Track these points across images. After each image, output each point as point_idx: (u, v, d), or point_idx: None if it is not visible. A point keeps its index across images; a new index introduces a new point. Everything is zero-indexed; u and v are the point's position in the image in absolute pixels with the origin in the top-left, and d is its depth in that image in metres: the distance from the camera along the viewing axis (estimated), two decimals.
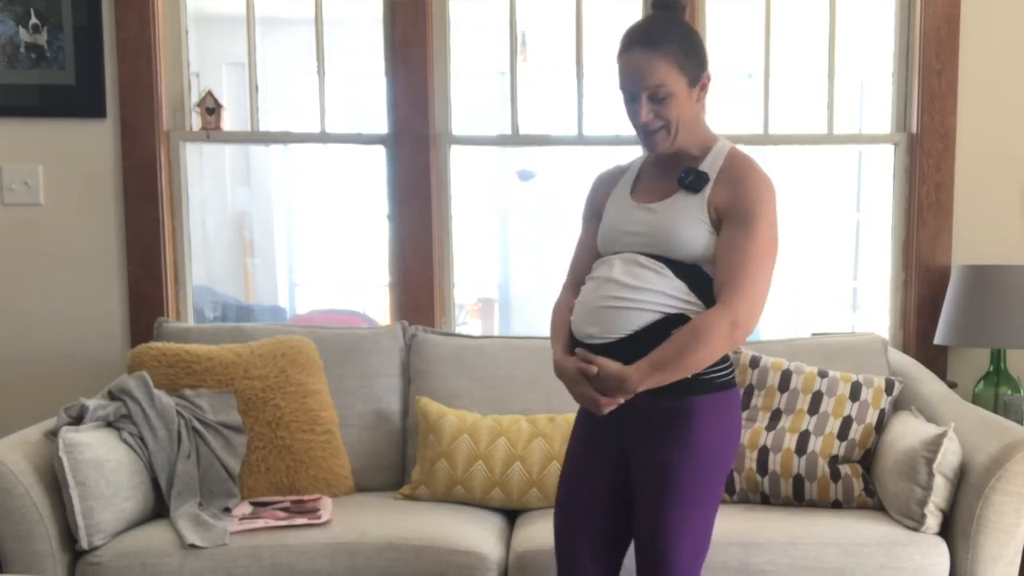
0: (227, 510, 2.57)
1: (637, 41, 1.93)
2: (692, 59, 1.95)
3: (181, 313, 3.26)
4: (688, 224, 1.93)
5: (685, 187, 1.96)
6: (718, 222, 1.94)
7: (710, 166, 1.98)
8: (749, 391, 2.78)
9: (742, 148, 3.26)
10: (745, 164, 1.98)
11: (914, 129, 3.24)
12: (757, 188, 1.94)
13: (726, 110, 3.30)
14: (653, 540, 1.94)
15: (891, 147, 3.31)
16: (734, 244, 1.91)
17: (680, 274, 1.93)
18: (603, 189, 2.15)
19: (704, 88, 1.98)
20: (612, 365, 1.90)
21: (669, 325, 1.90)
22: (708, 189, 1.95)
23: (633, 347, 1.90)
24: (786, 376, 2.77)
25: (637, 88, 1.93)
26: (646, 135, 1.97)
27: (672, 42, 1.92)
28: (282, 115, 3.29)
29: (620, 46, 1.96)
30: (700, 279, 1.94)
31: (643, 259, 1.95)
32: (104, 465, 2.36)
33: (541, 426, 2.73)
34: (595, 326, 1.95)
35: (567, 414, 2.70)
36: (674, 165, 2.01)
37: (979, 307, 2.96)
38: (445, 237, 3.28)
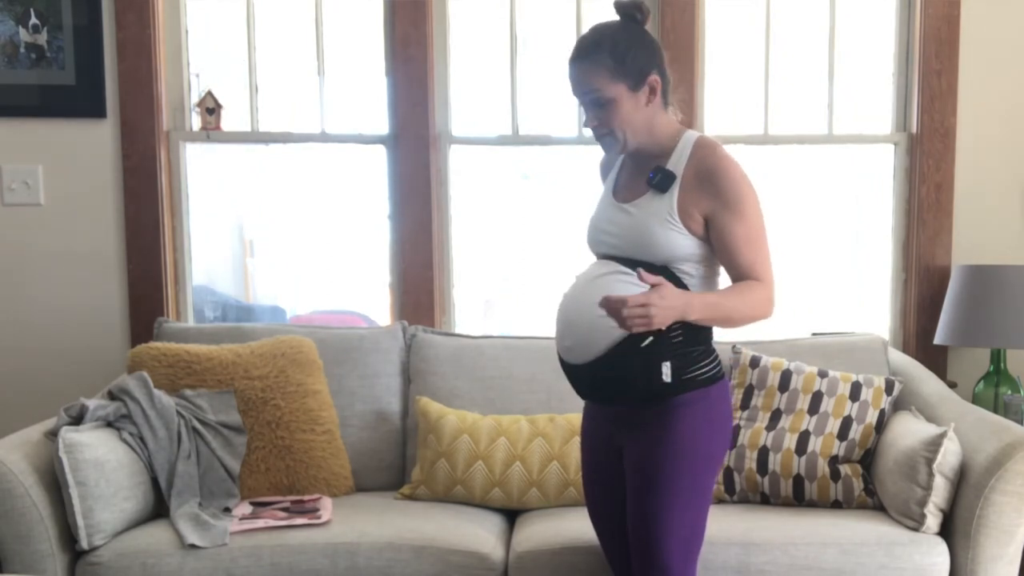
0: (227, 510, 2.57)
1: (576, 54, 2.01)
2: (629, 64, 1.97)
3: (181, 313, 3.26)
4: (658, 228, 1.98)
5: (653, 187, 2.01)
6: (697, 221, 1.98)
7: (676, 163, 2.02)
8: (749, 391, 2.78)
9: (742, 148, 3.29)
10: (712, 154, 2.01)
11: (914, 129, 3.24)
12: (731, 173, 1.99)
13: (726, 110, 3.31)
14: (641, 532, 1.99)
15: (891, 147, 3.31)
16: (737, 233, 1.98)
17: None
18: (604, 173, 2.23)
19: (653, 91, 2.01)
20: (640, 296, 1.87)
21: (635, 340, 1.93)
22: (676, 188, 1.99)
23: (602, 367, 1.97)
24: (786, 376, 2.77)
25: (578, 96, 2.01)
26: (597, 139, 2.06)
27: (603, 50, 1.97)
28: (282, 115, 3.29)
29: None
30: (670, 280, 1.97)
31: (617, 267, 2.00)
32: (104, 465, 2.37)
33: (541, 426, 2.73)
34: (570, 339, 2.02)
35: (567, 414, 2.70)
36: (645, 163, 2.06)
37: (979, 307, 2.96)
38: (445, 237, 3.28)
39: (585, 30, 3.22)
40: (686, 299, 1.91)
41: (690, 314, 1.91)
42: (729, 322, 2.01)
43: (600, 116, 1.99)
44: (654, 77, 2.00)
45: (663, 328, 1.91)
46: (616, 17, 2.05)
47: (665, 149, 2.04)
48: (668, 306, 1.85)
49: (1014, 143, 3.22)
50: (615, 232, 2.04)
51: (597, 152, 2.30)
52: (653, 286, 1.86)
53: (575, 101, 2.09)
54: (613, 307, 1.83)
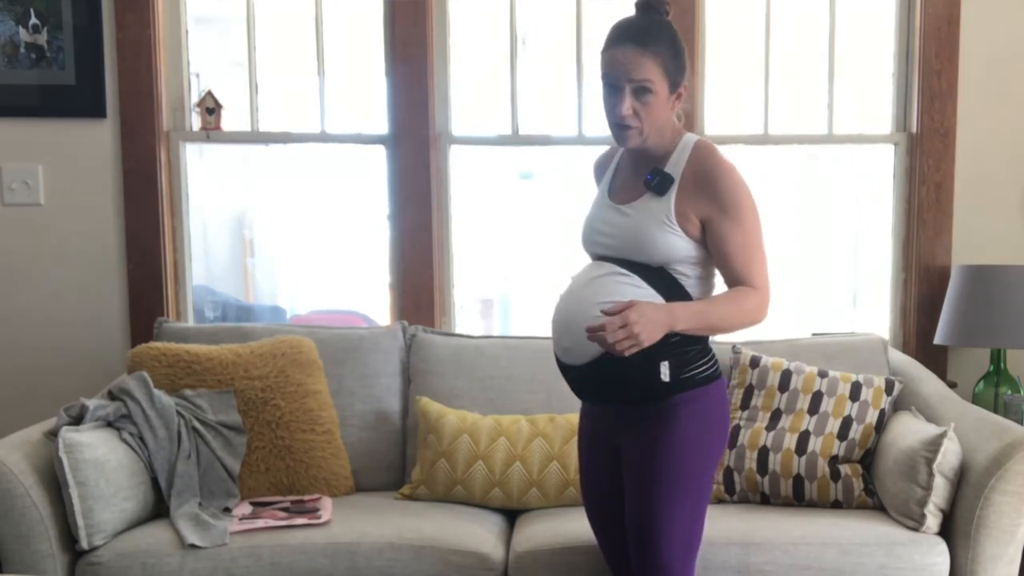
0: (227, 510, 2.57)
1: (630, 37, 1.95)
2: (677, 65, 1.98)
3: (181, 313, 3.26)
4: (655, 230, 1.98)
5: (651, 189, 2.01)
6: (694, 224, 1.98)
7: (675, 165, 2.02)
8: (749, 391, 2.78)
9: (742, 148, 3.29)
10: (710, 158, 2.01)
11: (914, 129, 3.24)
12: (729, 178, 1.99)
13: (726, 110, 3.31)
14: (641, 532, 1.99)
15: (891, 147, 3.31)
16: (732, 238, 1.98)
17: (647, 279, 1.98)
18: (598, 175, 2.23)
19: (680, 97, 2.02)
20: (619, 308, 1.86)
21: None
22: (674, 191, 1.99)
23: (601, 368, 1.96)
24: (786, 376, 2.77)
25: (622, 80, 1.95)
26: (620, 128, 2.00)
27: (662, 44, 1.96)
28: (282, 115, 3.29)
29: (609, 39, 1.98)
30: (666, 281, 1.98)
31: (613, 268, 2.00)
32: (104, 465, 2.37)
33: (541, 426, 2.73)
34: (568, 340, 2.01)
35: (567, 414, 2.70)
36: (643, 164, 2.05)
37: (979, 307, 2.96)
38: (445, 237, 3.28)
39: (585, 29, 3.24)
40: (668, 310, 1.90)
41: (676, 324, 1.90)
42: (717, 329, 2.01)
43: (637, 106, 1.96)
44: (685, 84, 2.02)
45: (654, 342, 1.88)
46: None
47: (666, 151, 2.04)
48: (649, 320, 1.84)
49: (1014, 143, 3.22)
50: (611, 233, 2.04)
51: (596, 152, 2.30)
52: (623, 311, 1.83)
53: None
54: (598, 336, 1.83)
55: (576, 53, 3.23)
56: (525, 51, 3.28)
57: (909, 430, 2.56)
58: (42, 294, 3.16)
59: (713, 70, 3.26)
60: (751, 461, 2.66)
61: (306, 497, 2.66)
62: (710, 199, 1.97)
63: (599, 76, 2.01)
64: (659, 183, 2.00)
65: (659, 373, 1.95)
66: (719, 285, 2.07)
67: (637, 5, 2.03)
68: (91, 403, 2.49)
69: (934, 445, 2.37)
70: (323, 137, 3.26)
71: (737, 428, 2.72)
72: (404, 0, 3.15)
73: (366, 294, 3.60)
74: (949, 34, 3.18)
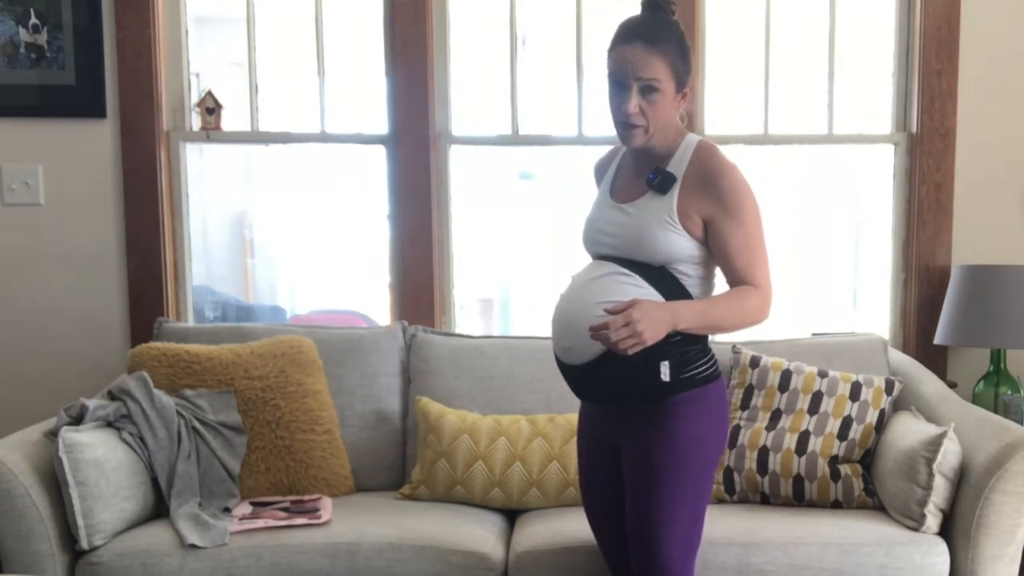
0: (227, 510, 2.57)
1: (638, 35, 1.96)
2: (684, 65, 1.99)
3: (181, 313, 3.26)
4: (657, 229, 1.98)
5: (653, 188, 2.01)
6: (696, 223, 1.99)
7: (677, 165, 2.02)
8: (749, 391, 2.78)
9: (742, 148, 3.29)
10: (712, 158, 2.02)
11: (914, 129, 3.24)
12: (731, 178, 1.99)
13: (726, 110, 3.31)
14: (641, 531, 1.99)
15: (891, 147, 3.31)
16: (735, 238, 1.98)
17: (648, 278, 1.98)
18: (599, 177, 2.23)
19: (685, 97, 2.02)
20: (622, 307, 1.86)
21: None
22: (676, 190, 1.99)
23: (601, 368, 1.96)
24: (786, 376, 2.77)
25: (630, 79, 1.96)
26: (625, 127, 2.00)
27: (671, 43, 1.97)
28: (282, 115, 3.29)
29: (618, 37, 1.99)
30: (668, 281, 1.99)
31: (614, 268, 2.00)
32: (104, 465, 2.37)
33: (541, 426, 2.73)
34: (568, 340, 2.01)
35: (567, 414, 2.70)
36: (645, 163, 2.06)
37: (979, 307, 2.96)
38: (445, 237, 3.28)
39: (585, 29, 3.23)
40: (671, 308, 1.91)
41: (679, 323, 1.90)
42: (719, 329, 2.01)
43: (643, 105, 1.97)
44: (690, 84, 2.03)
45: (658, 341, 1.88)
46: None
47: (669, 151, 2.05)
48: (653, 319, 1.84)
49: (1014, 143, 3.22)
50: (613, 232, 2.04)
51: (596, 152, 2.30)
52: (625, 309, 1.83)
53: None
54: (601, 335, 1.83)
55: (576, 53, 3.23)
56: (525, 51, 3.28)
57: (909, 430, 2.56)
58: (42, 294, 3.16)
59: (713, 70, 3.27)
60: (751, 461, 2.66)
61: (306, 497, 2.66)
62: (712, 199, 1.97)
63: (605, 74, 2.01)
64: (661, 182, 2.00)
65: (659, 373, 1.95)
66: (719, 286, 2.08)
67: (644, 4, 2.03)
68: (91, 403, 2.49)
69: (934, 445, 2.37)
70: (323, 137, 3.26)
71: (737, 428, 2.72)
72: (404, 0, 3.15)
73: (366, 294, 3.61)
74: (949, 34, 3.18)
